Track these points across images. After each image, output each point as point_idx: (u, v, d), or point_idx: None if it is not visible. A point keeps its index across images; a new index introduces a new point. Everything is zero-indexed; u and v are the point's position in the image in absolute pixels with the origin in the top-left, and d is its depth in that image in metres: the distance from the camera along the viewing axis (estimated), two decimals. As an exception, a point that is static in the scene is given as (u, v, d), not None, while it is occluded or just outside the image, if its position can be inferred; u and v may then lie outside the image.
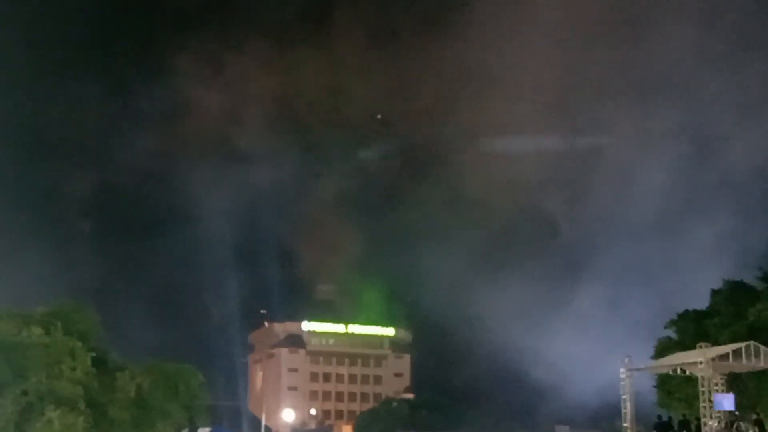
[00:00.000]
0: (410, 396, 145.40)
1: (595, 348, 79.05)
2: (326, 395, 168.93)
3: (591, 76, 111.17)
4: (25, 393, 51.46)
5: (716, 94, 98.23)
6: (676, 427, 41.88)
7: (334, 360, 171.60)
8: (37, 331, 52.41)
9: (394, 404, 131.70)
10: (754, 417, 41.99)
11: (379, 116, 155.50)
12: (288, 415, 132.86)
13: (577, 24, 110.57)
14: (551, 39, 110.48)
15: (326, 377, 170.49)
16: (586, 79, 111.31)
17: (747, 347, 39.03)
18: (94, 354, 54.71)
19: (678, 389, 50.58)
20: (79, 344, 53.57)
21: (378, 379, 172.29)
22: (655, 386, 54.31)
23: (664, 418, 43.95)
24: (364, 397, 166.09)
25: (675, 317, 56.09)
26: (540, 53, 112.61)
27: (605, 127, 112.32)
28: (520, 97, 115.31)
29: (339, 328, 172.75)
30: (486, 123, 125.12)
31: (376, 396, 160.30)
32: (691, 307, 55.87)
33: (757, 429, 40.26)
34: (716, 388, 39.57)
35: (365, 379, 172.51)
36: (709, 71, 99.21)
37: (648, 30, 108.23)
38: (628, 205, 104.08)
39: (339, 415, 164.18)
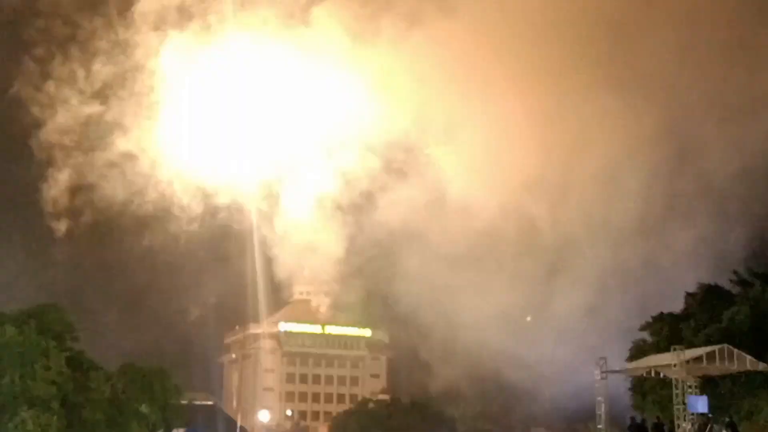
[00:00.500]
0: (387, 397, 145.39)
1: (573, 351, 79.10)
2: (302, 396, 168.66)
3: (574, 75, 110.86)
4: (-2, 393, 51.16)
5: (698, 95, 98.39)
6: (649, 430, 42.03)
7: (311, 361, 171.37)
8: (10, 330, 52.12)
9: (371, 405, 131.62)
10: (727, 419, 42.24)
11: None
12: (264, 416, 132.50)
13: (560, 23, 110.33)
14: (533, 37, 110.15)
15: (303, 378, 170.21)
16: (569, 79, 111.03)
17: (721, 350, 39.26)
18: (68, 354, 54.47)
19: (652, 391, 50.85)
20: (54, 344, 53.35)
21: (354, 380, 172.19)
22: (630, 389, 54.56)
23: (638, 421, 44.13)
24: (341, 398, 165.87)
25: (650, 320, 56.38)
26: (521, 52, 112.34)
27: (587, 128, 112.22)
28: (502, 96, 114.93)
29: (316, 328, 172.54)
30: (467, 122, 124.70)
31: (353, 397, 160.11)
32: (668, 311, 56.16)
33: (730, 431, 40.52)
34: (690, 390, 39.78)
35: (342, 380, 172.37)
36: (691, 72, 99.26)
37: (630, 30, 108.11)
38: (609, 208, 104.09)
39: (315, 416, 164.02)
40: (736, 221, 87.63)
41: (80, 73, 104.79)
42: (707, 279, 56.77)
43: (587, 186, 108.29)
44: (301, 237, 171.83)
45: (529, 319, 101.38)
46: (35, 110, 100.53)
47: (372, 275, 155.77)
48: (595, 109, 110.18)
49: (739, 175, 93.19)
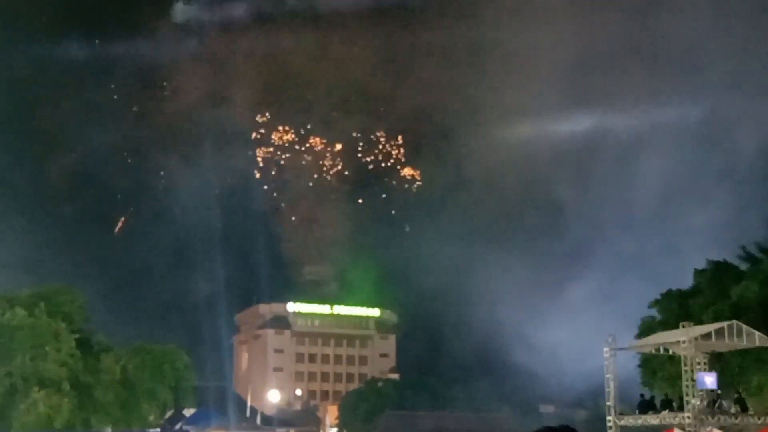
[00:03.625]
0: (395, 376, 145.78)
1: (585, 331, 78.78)
2: (312, 376, 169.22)
3: (601, 55, 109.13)
4: (9, 374, 51.43)
5: (726, 69, 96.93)
6: (658, 406, 42.12)
7: (320, 341, 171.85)
8: (21, 312, 52.35)
9: (380, 384, 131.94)
10: (736, 395, 42.32)
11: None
12: (273, 396, 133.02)
13: (587, 1, 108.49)
14: (560, 17, 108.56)
15: (312, 358, 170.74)
16: (596, 58, 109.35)
17: (729, 326, 39.26)
18: (78, 335, 54.69)
19: (661, 368, 50.83)
20: (64, 326, 53.57)
21: (363, 360, 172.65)
22: (639, 366, 54.54)
23: (648, 397, 44.21)
24: (350, 377, 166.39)
25: (659, 297, 56.24)
26: (548, 32, 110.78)
27: (614, 108, 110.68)
28: (527, 75, 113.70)
29: (325, 309, 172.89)
30: (489, 101, 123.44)
31: (362, 376, 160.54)
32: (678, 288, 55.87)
33: (738, 407, 40.57)
34: (699, 366, 39.79)
35: (351, 359, 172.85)
36: (722, 53, 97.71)
37: (660, 9, 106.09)
38: (630, 188, 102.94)
39: (324, 395, 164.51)
40: (757, 201, 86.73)
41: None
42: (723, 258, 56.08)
43: (610, 164, 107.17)
44: (313, 217, 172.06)
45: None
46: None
47: (383, 255, 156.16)
48: (621, 81, 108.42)
49: (762, 154, 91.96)
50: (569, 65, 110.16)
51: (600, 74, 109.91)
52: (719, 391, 40.06)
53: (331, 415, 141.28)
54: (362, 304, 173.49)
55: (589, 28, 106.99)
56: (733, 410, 40.02)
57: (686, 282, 55.80)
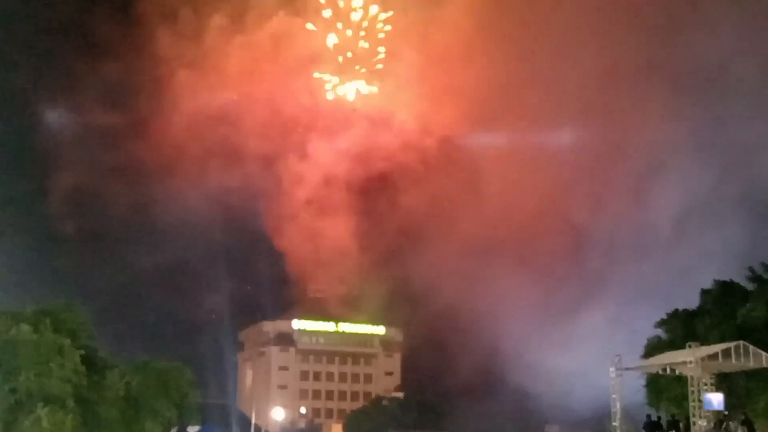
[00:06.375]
0: (400, 395, 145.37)
1: (592, 351, 78.20)
2: (316, 394, 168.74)
3: (623, 75, 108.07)
4: (13, 391, 51.36)
5: (748, 93, 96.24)
6: (665, 427, 41.93)
7: (325, 358, 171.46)
8: (26, 329, 52.33)
9: (384, 403, 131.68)
10: (743, 417, 42.11)
11: None
12: (278, 414, 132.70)
13: (608, 17, 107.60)
14: (582, 34, 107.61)
15: (316, 376, 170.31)
16: (618, 78, 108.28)
17: (736, 347, 39.10)
18: (83, 352, 54.62)
19: (667, 389, 50.66)
20: (68, 342, 53.50)
21: (368, 378, 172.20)
22: (645, 386, 54.32)
23: (654, 418, 44.03)
24: (354, 395, 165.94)
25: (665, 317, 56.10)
26: (569, 49, 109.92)
27: (634, 129, 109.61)
28: (546, 92, 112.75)
29: (329, 326, 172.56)
30: (506, 116, 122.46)
31: (366, 395, 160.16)
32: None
33: (745, 428, 40.35)
34: (705, 387, 39.64)
35: (355, 377, 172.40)
36: (745, 75, 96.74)
37: (685, 29, 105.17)
38: (646, 211, 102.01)
39: (329, 413, 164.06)
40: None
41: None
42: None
43: (626, 188, 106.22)
44: (317, 233, 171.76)
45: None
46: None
47: (388, 272, 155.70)
48: (642, 102, 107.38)
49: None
50: (590, 83, 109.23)
51: (621, 93, 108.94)
52: (726, 412, 39.86)
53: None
54: (367, 322, 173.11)
55: (611, 47, 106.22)
56: (740, 432, 39.85)
57: (695, 303, 55.59)
